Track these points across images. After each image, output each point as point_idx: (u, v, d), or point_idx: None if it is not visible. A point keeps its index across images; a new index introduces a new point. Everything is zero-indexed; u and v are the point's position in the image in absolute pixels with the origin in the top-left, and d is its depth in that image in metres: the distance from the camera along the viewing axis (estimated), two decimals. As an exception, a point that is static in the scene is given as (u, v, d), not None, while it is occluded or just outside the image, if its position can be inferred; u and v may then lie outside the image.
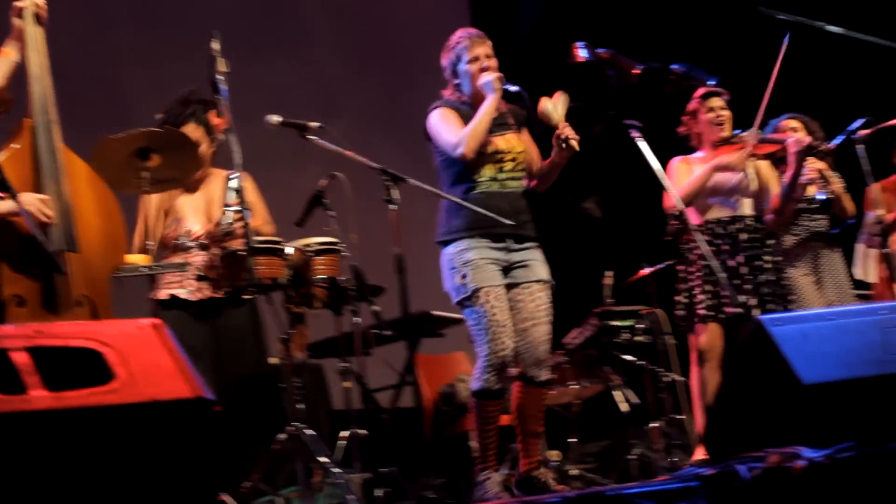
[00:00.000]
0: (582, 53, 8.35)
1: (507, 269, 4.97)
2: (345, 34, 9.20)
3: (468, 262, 4.88)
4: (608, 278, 7.02)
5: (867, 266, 6.06)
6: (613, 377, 6.87)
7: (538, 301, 4.98)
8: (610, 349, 6.87)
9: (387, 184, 4.74)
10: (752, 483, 2.92)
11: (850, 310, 3.55)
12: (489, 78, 4.96)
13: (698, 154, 5.93)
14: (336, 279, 5.02)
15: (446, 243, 4.99)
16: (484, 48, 5.09)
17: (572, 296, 7.88)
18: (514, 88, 5.01)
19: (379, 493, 4.94)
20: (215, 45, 4.77)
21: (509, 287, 4.96)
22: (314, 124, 4.86)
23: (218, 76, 4.78)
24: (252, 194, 5.32)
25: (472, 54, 5.06)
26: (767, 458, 2.93)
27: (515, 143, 5.09)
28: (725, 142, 5.83)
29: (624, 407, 6.77)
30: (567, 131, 4.96)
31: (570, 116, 5.01)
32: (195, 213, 5.30)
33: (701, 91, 5.98)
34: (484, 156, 4.97)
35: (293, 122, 4.87)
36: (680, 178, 5.77)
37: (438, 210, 5.07)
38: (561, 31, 8.90)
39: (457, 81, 5.12)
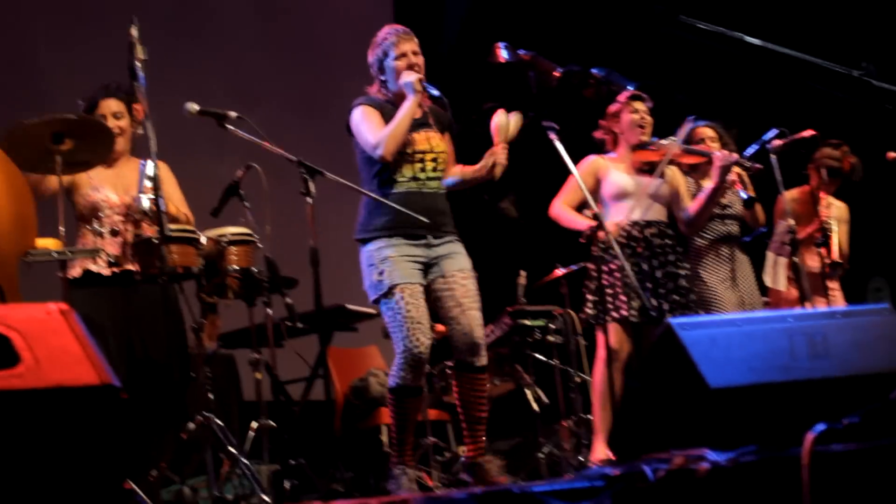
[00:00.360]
0: (503, 54, 8.40)
1: (428, 265, 4.98)
2: (266, 24, 9.14)
3: (386, 260, 4.88)
4: (522, 278, 7.06)
5: (777, 274, 6.15)
6: (525, 376, 6.91)
7: (466, 288, 5.01)
8: (522, 348, 6.92)
9: (304, 176, 4.70)
10: (657, 484, 2.95)
11: (758, 316, 3.61)
12: (410, 79, 4.96)
13: (611, 154, 5.98)
14: (249, 270, 5.00)
15: (365, 241, 4.99)
16: (411, 45, 5.09)
17: (486, 294, 7.91)
18: (435, 92, 5.00)
19: (287, 485, 4.93)
20: (134, 32, 4.70)
21: (435, 279, 4.99)
22: (233, 114, 4.82)
23: (136, 63, 4.72)
24: (168, 183, 5.27)
25: (398, 51, 5.05)
26: (672, 460, 2.96)
27: (437, 142, 5.10)
28: (643, 146, 5.88)
29: (534, 406, 6.81)
30: (501, 156, 5.00)
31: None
32: (112, 186, 5.24)
33: (627, 94, 6.04)
34: (404, 155, 4.97)
35: (211, 111, 4.82)
36: (590, 174, 5.84)
37: (358, 206, 5.07)
38: (485, 31, 8.94)
39: (383, 78, 5.12)
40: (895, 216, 7.65)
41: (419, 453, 6.09)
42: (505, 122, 5.05)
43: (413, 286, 4.87)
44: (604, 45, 9.25)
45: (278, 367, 6.36)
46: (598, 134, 6.10)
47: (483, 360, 5.04)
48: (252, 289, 5.07)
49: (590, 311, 5.74)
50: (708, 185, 5.93)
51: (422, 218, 4.82)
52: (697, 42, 9.96)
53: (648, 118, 5.97)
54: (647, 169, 5.91)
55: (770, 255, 6.21)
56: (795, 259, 5.82)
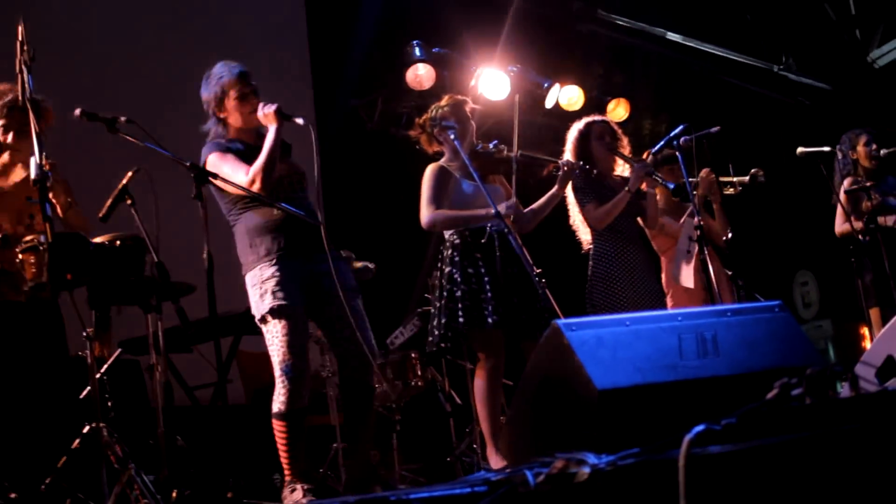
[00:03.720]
0: (417, 53, 8.41)
1: (313, 286, 5.00)
2: (177, 24, 8.99)
3: (268, 280, 4.90)
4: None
5: (684, 272, 6.12)
6: (437, 377, 6.85)
7: (351, 307, 4.98)
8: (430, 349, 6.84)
9: (195, 181, 4.60)
10: (537, 489, 2.88)
11: (647, 315, 3.56)
12: (270, 109, 4.93)
13: (445, 159, 5.94)
14: (142, 275, 4.89)
15: (248, 268, 5.01)
16: (249, 84, 5.11)
17: (396, 295, 7.87)
18: (300, 121, 4.96)
19: (182, 493, 4.83)
20: (21, 31, 4.57)
21: (320, 301, 5.00)
22: (122, 118, 4.71)
23: (24, 64, 4.58)
24: (59, 186, 5.15)
25: (237, 89, 5.07)
26: (553, 465, 2.90)
27: (294, 164, 5.18)
28: (487, 152, 5.85)
29: (447, 407, 6.75)
30: None
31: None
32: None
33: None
34: (274, 182, 4.97)
35: (101, 117, 4.71)
36: (434, 184, 5.77)
37: (236, 240, 5.07)
38: (401, 30, 8.88)
39: (223, 115, 5.10)
40: (819, 211, 7.66)
41: (328, 457, 6.03)
42: None
43: (295, 308, 4.92)
44: (523, 42, 9.23)
45: (190, 372, 6.26)
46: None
47: (372, 379, 5.20)
48: (145, 294, 4.97)
49: (461, 319, 5.64)
50: (553, 190, 5.97)
51: (311, 220, 4.92)
52: (616, 38, 10.01)
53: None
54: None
55: (678, 253, 6.19)
56: (704, 256, 5.79)
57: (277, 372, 4.88)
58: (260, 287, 4.92)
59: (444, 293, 5.66)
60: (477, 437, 6.33)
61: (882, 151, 6.95)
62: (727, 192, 6.90)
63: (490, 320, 5.56)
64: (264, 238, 4.96)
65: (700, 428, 2.76)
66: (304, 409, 4.93)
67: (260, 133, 5.07)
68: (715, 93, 10.51)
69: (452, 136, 5.58)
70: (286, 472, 4.93)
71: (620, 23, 10.35)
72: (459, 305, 5.61)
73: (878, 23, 10.75)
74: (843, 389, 2.78)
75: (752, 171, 6.85)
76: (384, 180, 8.87)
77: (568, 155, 6.27)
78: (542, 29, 9.62)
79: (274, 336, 4.88)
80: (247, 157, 4.97)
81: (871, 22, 10.77)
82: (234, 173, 4.91)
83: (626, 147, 6.32)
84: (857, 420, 2.66)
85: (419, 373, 6.82)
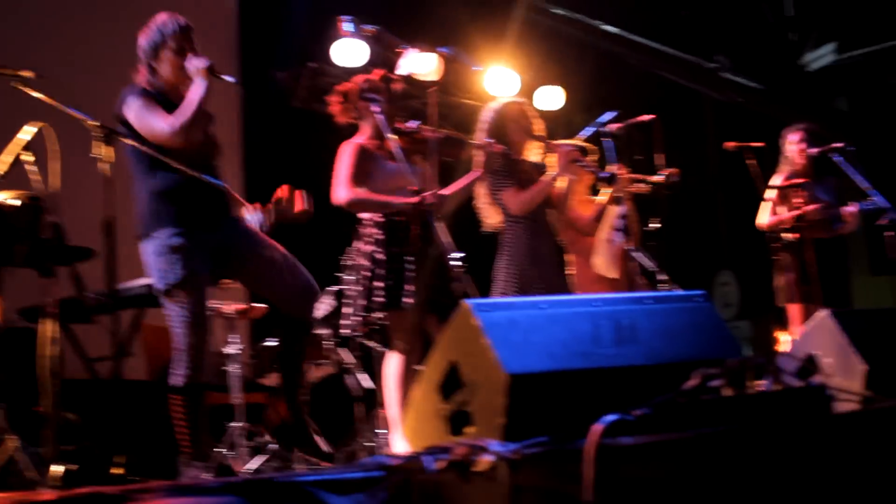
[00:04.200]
0: (347, 28, 8.16)
1: (223, 254, 4.85)
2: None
3: (173, 249, 4.72)
4: (349, 258, 6.75)
5: (609, 261, 5.98)
6: (348, 359, 6.63)
7: (271, 249, 4.92)
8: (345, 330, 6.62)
9: (99, 140, 4.36)
10: (436, 475, 2.71)
11: (564, 300, 3.39)
12: (202, 64, 4.74)
13: (365, 137, 5.76)
14: (39, 237, 4.64)
15: (151, 234, 4.79)
16: (191, 41, 4.91)
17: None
18: (230, 79, 4.89)
19: (60, 469, 4.58)
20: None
21: (238, 263, 4.88)
22: (26, 72, 4.46)
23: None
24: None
25: (177, 42, 4.86)
26: (454, 451, 2.72)
27: (212, 134, 5.00)
28: (408, 131, 5.67)
29: (356, 391, 6.54)
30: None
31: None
32: None
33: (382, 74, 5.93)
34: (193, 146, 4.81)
35: (2, 71, 4.46)
36: (353, 162, 5.58)
37: (136, 203, 4.85)
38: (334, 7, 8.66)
39: (154, 64, 4.89)
40: (741, 210, 7.57)
41: (228, 439, 5.83)
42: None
43: (201, 278, 4.78)
44: (457, 24, 9.08)
45: (93, 344, 6.02)
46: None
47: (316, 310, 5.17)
48: (42, 258, 4.72)
49: (379, 300, 5.48)
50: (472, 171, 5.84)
51: (217, 183, 4.80)
52: (553, 27, 9.87)
53: None
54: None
55: (602, 242, 6.04)
56: (628, 246, 5.64)
57: (179, 345, 4.71)
58: (166, 257, 4.71)
59: (365, 273, 5.46)
60: (381, 422, 6.13)
61: (812, 150, 6.84)
62: (638, 190, 6.71)
63: (409, 302, 5.40)
64: (170, 204, 4.76)
65: (612, 417, 2.59)
66: (204, 384, 4.76)
67: (183, 93, 4.86)
68: (650, 87, 10.41)
69: (375, 109, 5.36)
70: (183, 449, 4.75)
71: (557, 12, 10.22)
72: (381, 285, 5.44)
73: (813, 26, 10.73)
74: (766, 384, 2.62)
75: (667, 171, 6.67)
76: (305, 156, 8.63)
77: (481, 136, 6.06)
78: (478, 12, 9.44)
79: (178, 308, 4.71)
80: (170, 109, 4.77)
81: (806, 25, 10.75)
82: (155, 120, 4.72)
83: (541, 130, 6.10)
84: (779, 414, 2.52)
85: (328, 355, 6.61)
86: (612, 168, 5.87)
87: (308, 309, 5.02)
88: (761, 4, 10.68)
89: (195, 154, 4.82)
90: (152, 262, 4.76)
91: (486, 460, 2.67)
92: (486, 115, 6.11)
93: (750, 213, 7.11)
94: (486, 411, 3.14)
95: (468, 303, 3.21)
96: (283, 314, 5.06)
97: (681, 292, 3.53)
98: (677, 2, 10.52)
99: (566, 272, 6.06)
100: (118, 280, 4.56)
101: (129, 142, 4.60)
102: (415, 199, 5.23)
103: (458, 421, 3.26)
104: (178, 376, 4.70)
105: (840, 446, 2.49)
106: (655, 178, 6.54)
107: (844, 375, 3.79)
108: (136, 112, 4.74)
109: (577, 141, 6.10)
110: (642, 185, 6.56)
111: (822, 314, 3.98)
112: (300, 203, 5.04)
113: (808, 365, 4.01)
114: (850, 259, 10.79)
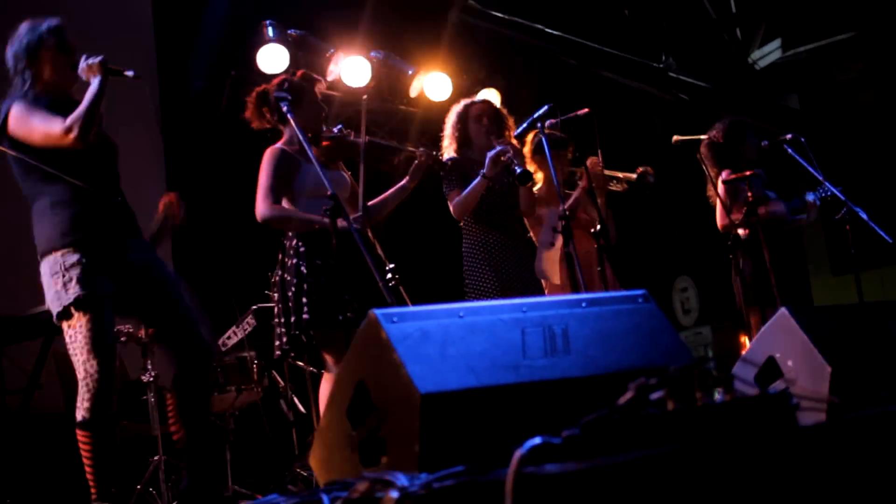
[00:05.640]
0: (271, 32, 7.83)
1: (127, 277, 4.46)
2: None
3: (71, 268, 4.31)
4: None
5: (549, 266, 5.58)
6: (278, 383, 6.20)
7: (180, 299, 4.54)
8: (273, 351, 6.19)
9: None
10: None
11: (485, 306, 2.94)
12: (95, 61, 4.37)
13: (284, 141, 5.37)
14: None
15: (48, 253, 4.39)
16: (66, 38, 4.56)
17: (230, 291, 7.19)
18: (130, 74, 4.48)
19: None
20: None
21: (142, 293, 4.50)
22: None
23: None
24: None
25: (55, 37, 4.51)
26: (355, 487, 2.30)
27: (107, 135, 4.61)
28: (331, 136, 5.29)
29: (289, 415, 6.10)
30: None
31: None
32: None
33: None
34: (88, 151, 4.39)
35: None
36: (272, 171, 5.19)
37: (34, 221, 4.47)
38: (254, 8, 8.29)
39: (34, 70, 4.50)
40: (696, 211, 7.23)
41: (149, 471, 5.40)
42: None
43: (103, 300, 4.36)
44: (388, 27, 8.78)
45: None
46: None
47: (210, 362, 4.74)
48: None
49: (307, 317, 5.07)
50: (402, 181, 5.47)
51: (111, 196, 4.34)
52: (492, 29, 9.54)
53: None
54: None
55: (541, 245, 5.64)
56: (568, 249, 5.23)
57: (81, 374, 4.30)
58: (61, 276, 4.31)
59: (291, 288, 5.05)
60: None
61: (764, 143, 6.47)
62: (612, 188, 6.38)
63: (340, 317, 4.97)
64: (68, 219, 4.37)
65: (535, 441, 2.17)
66: (112, 416, 4.34)
67: (71, 95, 4.51)
68: (594, 88, 10.09)
69: (285, 109, 4.95)
70: (91, 489, 4.33)
71: (496, 14, 9.90)
72: (305, 300, 5.04)
73: (759, 22, 10.49)
74: (718, 395, 2.21)
75: (641, 168, 6.32)
76: (230, 168, 8.22)
77: (447, 140, 5.78)
78: (410, 15, 9.10)
79: (77, 332, 4.28)
80: (58, 111, 4.38)
81: (751, 21, 10.54)
82: (46, 122, 4.32)
83: (511, 129, 5.77)
84: (731, 430, 2.11)
85: (256, 378, 6.17)
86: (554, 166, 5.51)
87: (203, 370, 4.58)
88: (704, 1, 10.41)
89: (94, 159, 4.45)
90: (48, 282, 4.37)
91: (390, 498, 2.25)
92: (450, 116, 5.91)
93: (704, 213, 6.76)
94: (400, 437, 2.73)
95: (375, 313, 2.79)
96: (179, 372, 4.59)
97: (619, 293, 3.09)
98: (620, 1, 10.23)
99: (536, 283, 5.68)
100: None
101: (12, 152, 4.17)
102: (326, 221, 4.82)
103: (370, 449, 2.84)
104: (82, 409, 4.29)
105: (807, 463, 2.09)
106: (629, 176, 6.20)
107: (808, 380, 3.44)
108: (19, 119, 4.36)
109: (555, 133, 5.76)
110: (616, 184, 6.21)
111: (782, 312, 3.61)
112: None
113: (768, 370, 3.64)
114: (808, 259, 10.54)
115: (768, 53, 10.73)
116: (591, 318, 2.97)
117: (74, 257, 4.30)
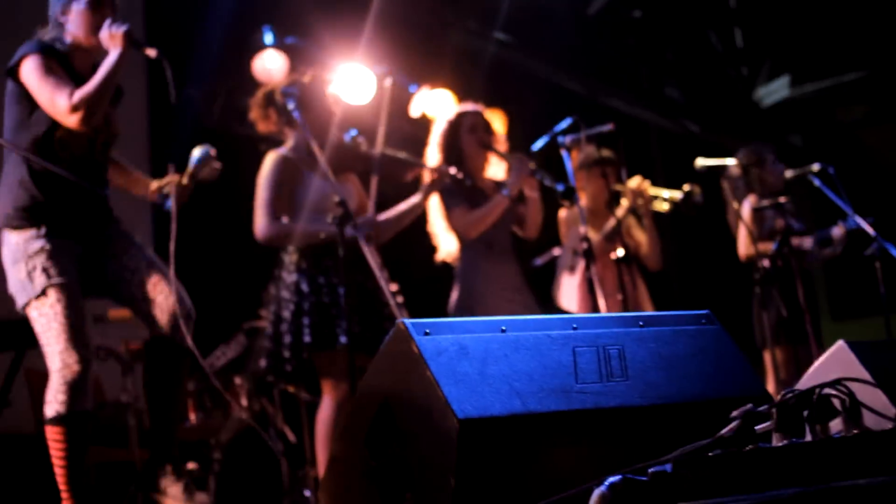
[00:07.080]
0: (267, 39, 7.54)
1: (94, 260, 4.09)
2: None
3: (38, 253, 3.92)
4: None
5: (568, 293, 5.21)
6: (268, 409, 5.82)
7: (144, 260, 4.16)
8: (265, 375, 5.82)
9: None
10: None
11: (532, 320, 2.55)
12: (119, 30, 3.95)
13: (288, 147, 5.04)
14: None
15: (10, 230, 4.00)
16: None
17: (218, 309, 6.81)
18: (153, 53, 4.01)
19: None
20: None
21: (114, 276, 4.13)
22: None
23: None
24: None
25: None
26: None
27: (114, 119, 4.20)
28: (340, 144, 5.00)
29: (278, 446, 5.71)
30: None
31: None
32: None
33: None
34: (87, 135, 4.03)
35: None
36: (272, 182, 4.89)
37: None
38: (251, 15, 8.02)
39: (64, 19, 4.09)
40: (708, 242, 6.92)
41: (125, 501, 5.01)
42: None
43: (72, 285, 3.95)
44: (390, 42, 8.54)
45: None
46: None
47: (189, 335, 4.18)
48: None
49: (308, 339, 4.72)
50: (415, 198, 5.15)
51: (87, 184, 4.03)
52: (495, 52, 9.29)
53: None
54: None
55: (561, 271, 5.28)
56: (590, 275, 4.84)
57: (57, 364, 3.85)
58: (25, 263, 3.93)
59: (290, 306, 4.71)
60: (312, 482, 5.32)
61: (789, 172, 6.13)
62: (657, 209, 5.95)
63: (342, 340, 4.64)
64: (39, 201, 3.98)
65: (614, 479, 1.79)
66: (87, 413, 3.91)
67: (95, 65, 4.09)
68: (597, 116, 9.83)
69: (292, 106, 4.58)
70: (63, 494, 3.90)
71: (498, 37, 9.67)
72: (307, 321, 4.71)
73: (765, 58, 10.30)
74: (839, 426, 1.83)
75: (688, 186, 5.87)
76: (221, 181, 7.92)
77: (434, 150, 5.38)
78: (414, 32, 8.83)
79: (50, 320, 3.86)
80: (77, 78, 4.00)
81: (757, 58, 10.36)
82: (56, 89, 3.92)
83: (502, 143, 5.40)
84: (860, 470, 1.72)
85: (245, 403, 5.79)
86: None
87: (180, 329, 4.16)
88: (709, 35, 10.19)
89: (92, 144, 4.09)
90: (10, 269, 3.98)
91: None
92: (439, 125, 5.54)
93: (719, 243, 6.40)
94: (431, 468, 2.33)
95: (405, 323, 2.39)
96: (154, 335, 4.23)
97: (680, 312, 2.71)
98: (623, 33, 10.00)
99: (533, 304, 5.29)
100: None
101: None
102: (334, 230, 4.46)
103: (393, 482, 2.44)
104: (55, 404, 3.86)
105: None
106: (674, 195, 5.77)
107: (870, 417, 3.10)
108: (32, 72, 3.96)
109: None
110: (660, 204, 5.80)
111: (840, 346, 3.26)
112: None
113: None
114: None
115: (775, 91, 10.52)
116: (649, 339, 2.59)
117: (38, 244, 3.93)
